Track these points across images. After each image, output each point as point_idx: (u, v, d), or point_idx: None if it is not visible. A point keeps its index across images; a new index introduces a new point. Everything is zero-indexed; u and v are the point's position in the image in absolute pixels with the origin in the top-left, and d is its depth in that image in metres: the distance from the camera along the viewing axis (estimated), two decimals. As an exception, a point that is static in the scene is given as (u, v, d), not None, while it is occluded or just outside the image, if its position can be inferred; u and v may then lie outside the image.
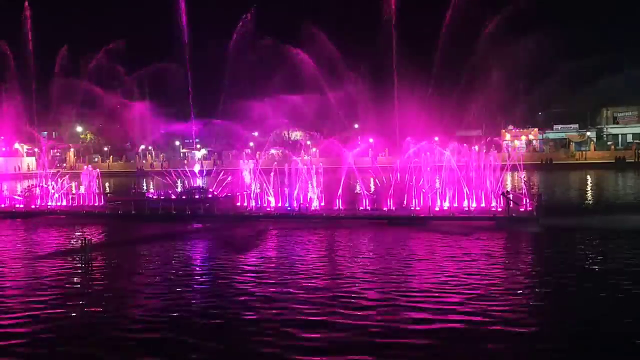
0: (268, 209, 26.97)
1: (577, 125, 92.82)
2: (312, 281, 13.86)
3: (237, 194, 29.60)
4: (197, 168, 34.09)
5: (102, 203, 31.09)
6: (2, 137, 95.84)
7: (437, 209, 24.57)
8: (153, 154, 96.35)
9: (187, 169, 34.12)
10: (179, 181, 35.02)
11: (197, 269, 16.18)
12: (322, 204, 26.53)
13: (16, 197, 32.28)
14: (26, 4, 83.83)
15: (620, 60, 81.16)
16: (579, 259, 16.17)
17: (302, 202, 26.25)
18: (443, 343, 9.53)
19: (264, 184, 27.90)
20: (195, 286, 13.90)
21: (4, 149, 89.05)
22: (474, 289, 12.71)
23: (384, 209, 25.17)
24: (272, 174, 27.98)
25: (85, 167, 35.09)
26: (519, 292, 12.63)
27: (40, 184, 31.90)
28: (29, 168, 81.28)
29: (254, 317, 11.09)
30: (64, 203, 30.85)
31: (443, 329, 10.11)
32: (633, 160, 70.69)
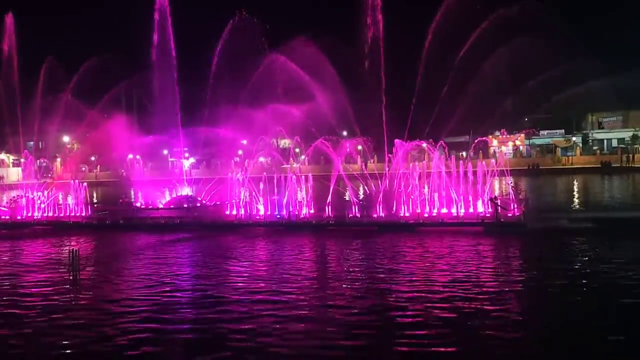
0: (257, 217, 26.91)
1: (562, 131, 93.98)
2: (300, 287, 13.80)
3: (226, 202, 29.52)
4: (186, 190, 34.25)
5: (90, 213, 30.82)
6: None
7: (426, 215, 24.72)
8: (141, 163, 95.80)
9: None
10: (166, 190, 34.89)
11: (186, 278, 16.04)
12: (312, 211, 26.54)
13: (2, 208, 31.89)
14: (10, 15, 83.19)
15: (605, 66, 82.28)
16: (567, 263, 16.25)
17: (291, 209, 26.24)
18: (432, 345, 9.55)
19: (253, 192, 27.87)
20: (184, 297, 13.76)
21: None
22: (460, 294, 12.73)
23: (374, 215, 25.25)
24: (261, 182, 28.02)
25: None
26: (505, 297, 12.69)
27: (26, 195, 31.57)
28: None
29: (244, 327, 11.01)
30: (51, 214, 30.53)
31: (428, 335, 10.11)
32: (619, 165, 71.61)
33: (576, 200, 37.33)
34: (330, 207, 25.87)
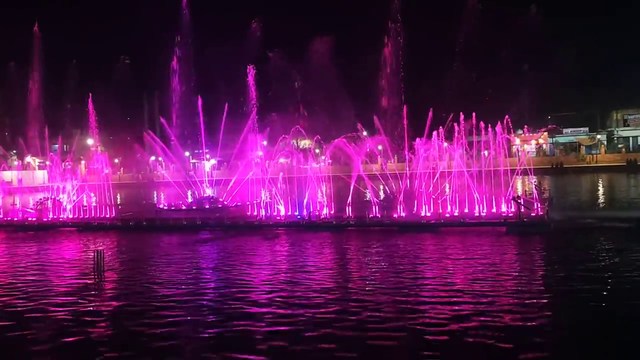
0: (278, 218, 27.00)
1: (587, 129, 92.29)
2: (322, 287, 13.82)
3: (247, 203, 29.72)
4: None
5: (114, 215, 31.27)
6: (15, 151, 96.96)
7: (447, 215, 24.51)
8: (163, 165, 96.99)
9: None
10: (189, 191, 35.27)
11: (209, 278, 16.21)
12: (332, 211, 26.53)
13: (28, 210, 32.55)
14: (36, 27, 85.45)
15: (630, 62, 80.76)
16: (595, 264, 15.89)
17: (311, 210, 26.27)
18: (454, 347, 9.47)
19: (274, 193, 27.98)
20: (206, 299, 13.88)
21: (16, 163, 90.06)
22: (484, 296, 12.60)
23: (394, 216, 25.13)
24: (279, 182, 28.14)
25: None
26: (531, 299, 12.50)
27: (52, 197, 32.20)
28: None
29: (271, 329, 11.05)
30: (76, 215, 31.06)
31: (454, 336, 10.03)
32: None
33: (601, 199, 36.64)
34: (350, 208, 25.83)
